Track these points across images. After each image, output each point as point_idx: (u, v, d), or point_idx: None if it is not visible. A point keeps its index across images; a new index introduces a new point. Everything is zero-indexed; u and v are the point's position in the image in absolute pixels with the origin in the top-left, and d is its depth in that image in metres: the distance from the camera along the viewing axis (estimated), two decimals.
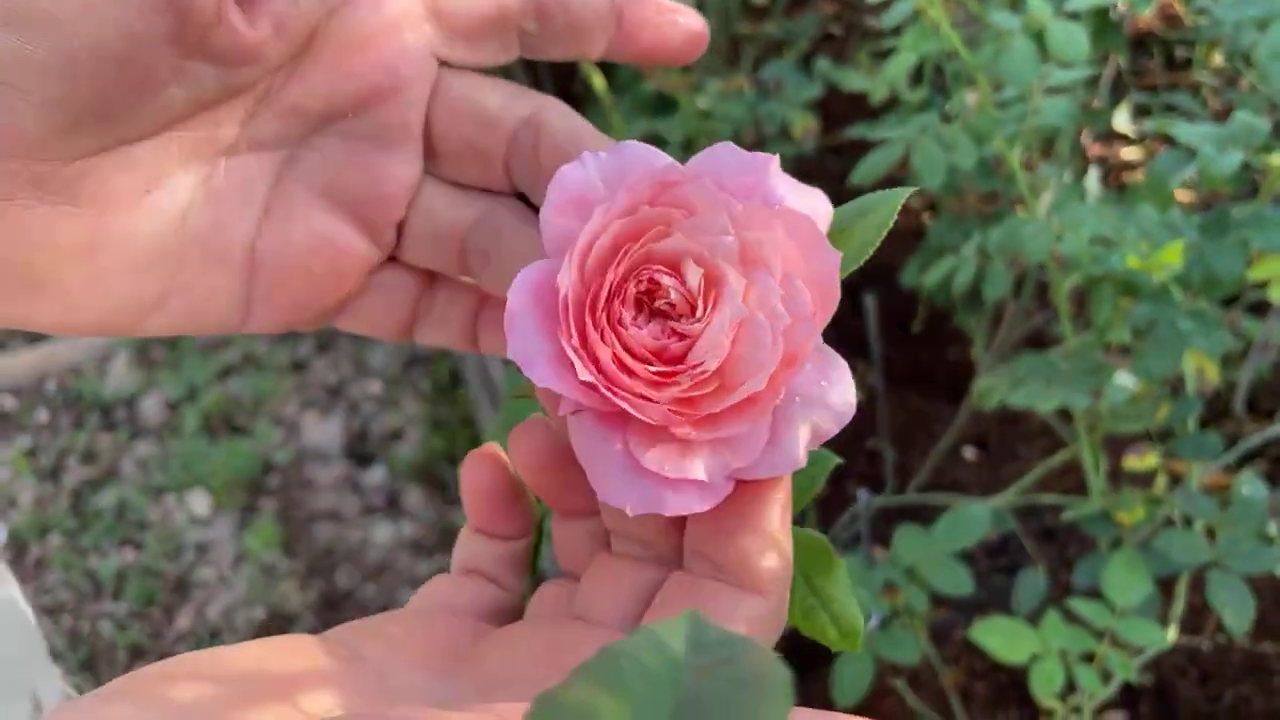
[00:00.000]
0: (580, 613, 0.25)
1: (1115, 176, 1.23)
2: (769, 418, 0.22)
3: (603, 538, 0.26)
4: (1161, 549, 0.64)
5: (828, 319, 0.22)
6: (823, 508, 1.01)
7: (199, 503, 1.45)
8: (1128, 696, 0.90)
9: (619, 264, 0.22)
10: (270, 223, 0.26)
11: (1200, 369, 0.99)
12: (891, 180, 0.72)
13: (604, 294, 0.22)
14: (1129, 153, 1.26)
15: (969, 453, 1.14)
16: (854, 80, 0.96)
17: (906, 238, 1.10)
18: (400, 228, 0.27)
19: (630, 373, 0.22)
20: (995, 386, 0.72)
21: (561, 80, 1.27)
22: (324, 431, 1.53)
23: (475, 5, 0.26)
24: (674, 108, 0.99)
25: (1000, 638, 0.61)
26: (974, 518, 0.64)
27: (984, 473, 1.09)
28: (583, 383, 0.22)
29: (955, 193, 0.80)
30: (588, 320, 0.22)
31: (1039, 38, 0.59)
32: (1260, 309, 1.01)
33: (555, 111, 0.27)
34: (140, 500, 1.45)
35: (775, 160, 0.23)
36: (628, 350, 0.22)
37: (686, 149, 1.03)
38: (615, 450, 0.22)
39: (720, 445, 0.22)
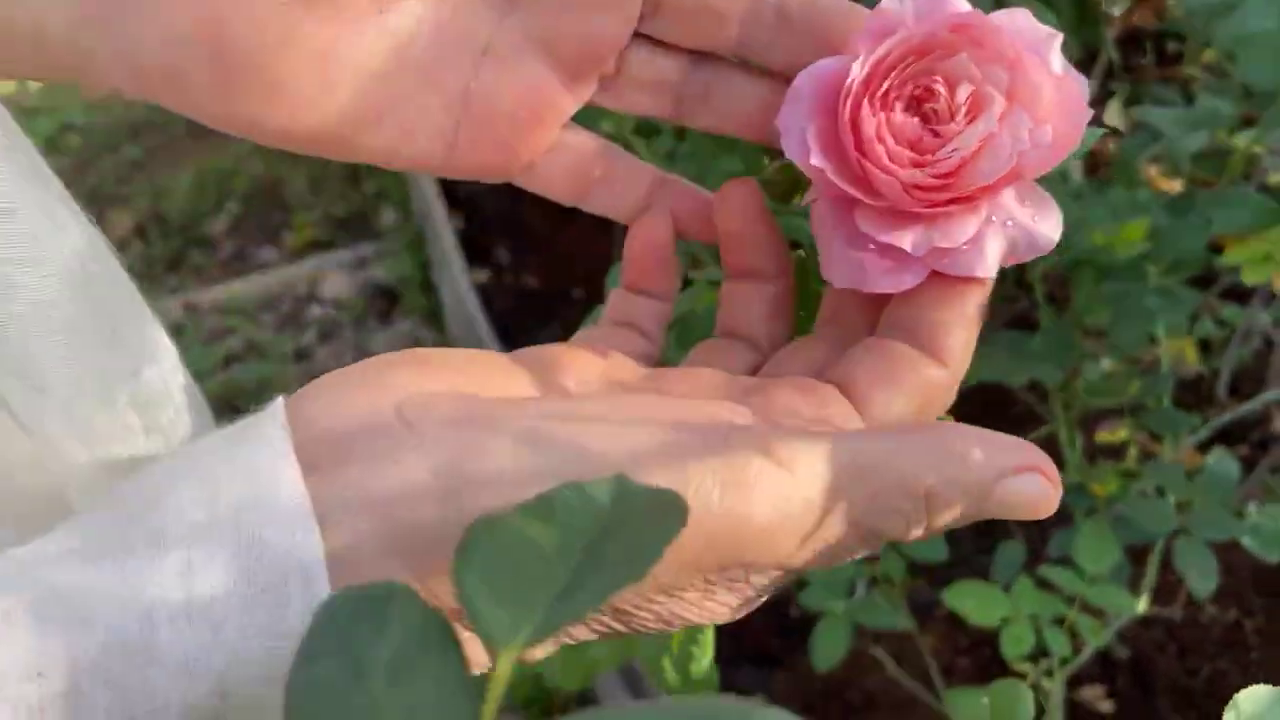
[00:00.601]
0: (770, 371, 0.28)
1: (1106, 170, 1.25)
2: (980, 218, 0.26)
3: (770, 302, 0.29)
4: (1130, 517, 0.66)
5: (1060, 160, 0.26)
6: None
7: None
8: (1106, 670, 0.93)
9: (906, 67, 0.26)
10: (486, 64, 0.27)
11: (1180, 351, 1.02)
12: None
13: (885, 85, 0.26)
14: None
15: None
16: None
17: None
18: (604, 80, 0.29)
19: (885, 146, 0.25)
20: (974, 364, 0.75)
21: None
22: None
23: None
24: None
25: (973, 601, 0.63)
26: None
27: None
28: (833, 164, 0.26)
29: None
30: (864, 104, 0.25)
31: None
32: (1244, 296, 1.03)
33: None
34: None
35: (1060, 37, 0.26)
36: (890, 130, 0.25)
37: (678, 136, 1.05)
38: (840, 230, 0.27)
39: (931, 223, 0.26)
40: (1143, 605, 0.73)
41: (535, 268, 1.58)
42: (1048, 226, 0.26)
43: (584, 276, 1.52)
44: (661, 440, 0.21)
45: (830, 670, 0.95)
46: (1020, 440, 0.24)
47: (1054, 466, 0.24)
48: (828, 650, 0.66)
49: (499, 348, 1.47)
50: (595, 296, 1.72)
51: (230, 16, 0.24)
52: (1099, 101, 1.21)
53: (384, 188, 2.03)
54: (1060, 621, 0.66)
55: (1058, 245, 0.26)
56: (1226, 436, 1.16)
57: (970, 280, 0.26)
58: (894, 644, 0.89)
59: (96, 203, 2.16)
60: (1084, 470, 0.75)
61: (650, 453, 0.20)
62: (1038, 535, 0.93)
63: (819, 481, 0.22)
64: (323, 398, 0.23)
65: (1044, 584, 0.67)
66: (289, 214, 2.06)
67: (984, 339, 0.77)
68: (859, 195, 0.26)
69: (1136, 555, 0.76)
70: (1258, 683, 0.84)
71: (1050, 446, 0.84)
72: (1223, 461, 0.76)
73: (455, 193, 1.77)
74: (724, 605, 0.23)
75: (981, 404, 1.15)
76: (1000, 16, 0.26)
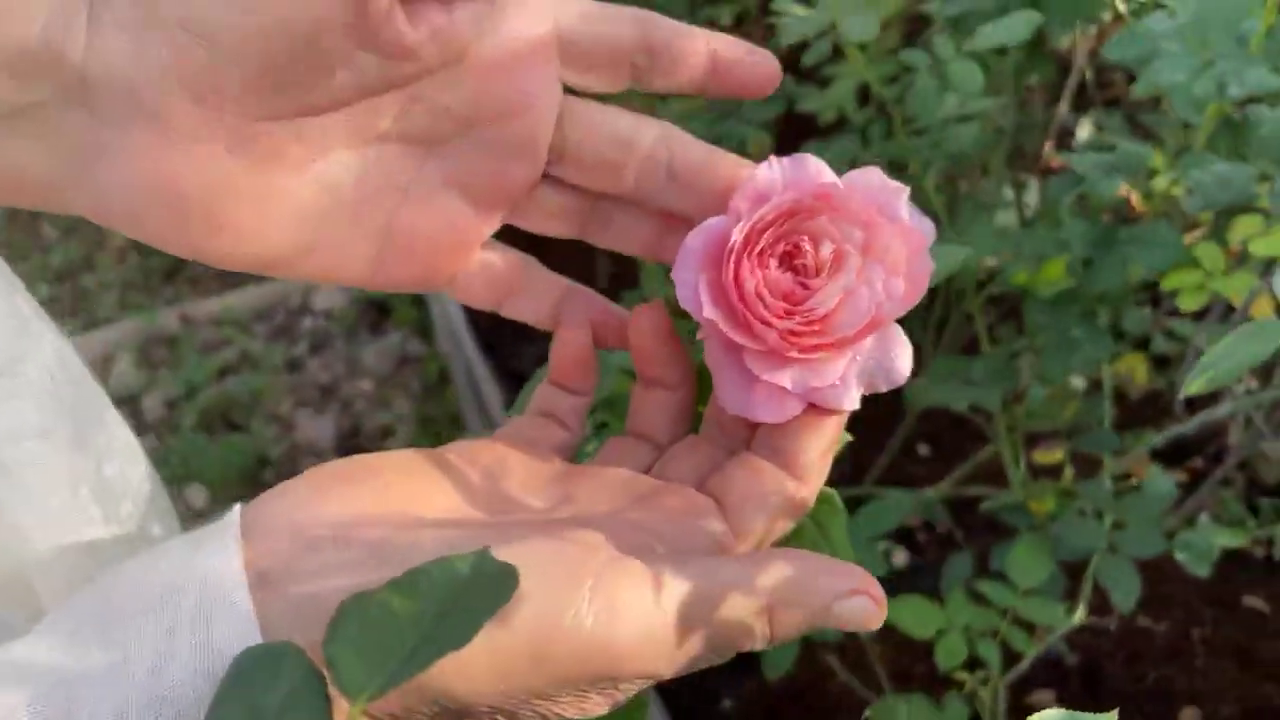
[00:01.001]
0: (659, 472, 0.33)
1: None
2: (847, 359, 0.31)
3: (672, 409, 0.34)
4: (1061, 534, 0.70)
5: (910, 306, 0.31)
6: None
7: (197, 496, 1.52)
8: (1056, 675, 0.97)
9: (778, 228, 0.31)
10: (408, 203, 0.32)
11: (1131, 369, 1.06)
12: None
13: (760, 244, 0.31)
14: None
15: (923, 449, 1.20)
16: (810, 100, 1.03)
17: None
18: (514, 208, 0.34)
19: (764, 300, 0.30)
20: (924, 388, 0.79)
21: None
22: (318, 428, 1.60)
23: (597, 39, 0.32)
24: None
25: (910, 613, 0.67)
26: (891, 506, 0.71)
27: (935, 468, 1.15)
28: (722, 312, 0.31)
29: None
30: (744, 262, 0.30)
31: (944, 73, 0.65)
32: (1200, 312, 1.07)
33: (680, 133, 0.33)
34: None
35: (906, 191, 0.31)
36: (767, 286, 0.30)
37: None
38: (729, 366, 0.32)
39: (806, 365, 0.31)
40: (1078, 617, 0.77)
41: None
42: (901, 363, 0.31)
43: None
44: (546, 567, 0.25)
45: (794, 679, 1.00)
46: (852, 566, 0.28)
47: (879, 588, 0.28)
48: (777, 661, 0.70)
49: (484, 360, 1.51)
50: None
51: (183, 170, 0.28)
52: (1068, 130, 1.26)
53: None
54: (994, 634, 0.70)
55: (996, 276, 0.31)
56: (1185, 451, 1.21)
57: (833, 411, 0.31)
58: (853, 653, 0.93)
59: None
60: (1026, 489, 0.79)
61: (534, 577, 0.24)
62: (990, 550, 0.97)
63: (680, 607, 0.26)
64: (273, 512, 0.27)
65: (979, 597, 0.71)
66: None
67: (929, 366, 0.81)
68: (745, 342, 0.31)
69: (1078, 569, 0.80)
70: (1202, 690, 0.89)
71: (996, 465, 0.89)
72: (1158, 480, 0.81)
73: None
74: (597, 707, 0.27)
75: (948, 422, 1.19)
76: (855, 176, 0.31)
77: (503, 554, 0.23)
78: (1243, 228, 0.86)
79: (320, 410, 1.64)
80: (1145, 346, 1.19)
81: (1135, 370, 1.05)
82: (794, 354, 0.30)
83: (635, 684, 0.27)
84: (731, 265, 0.30)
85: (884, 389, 0.31)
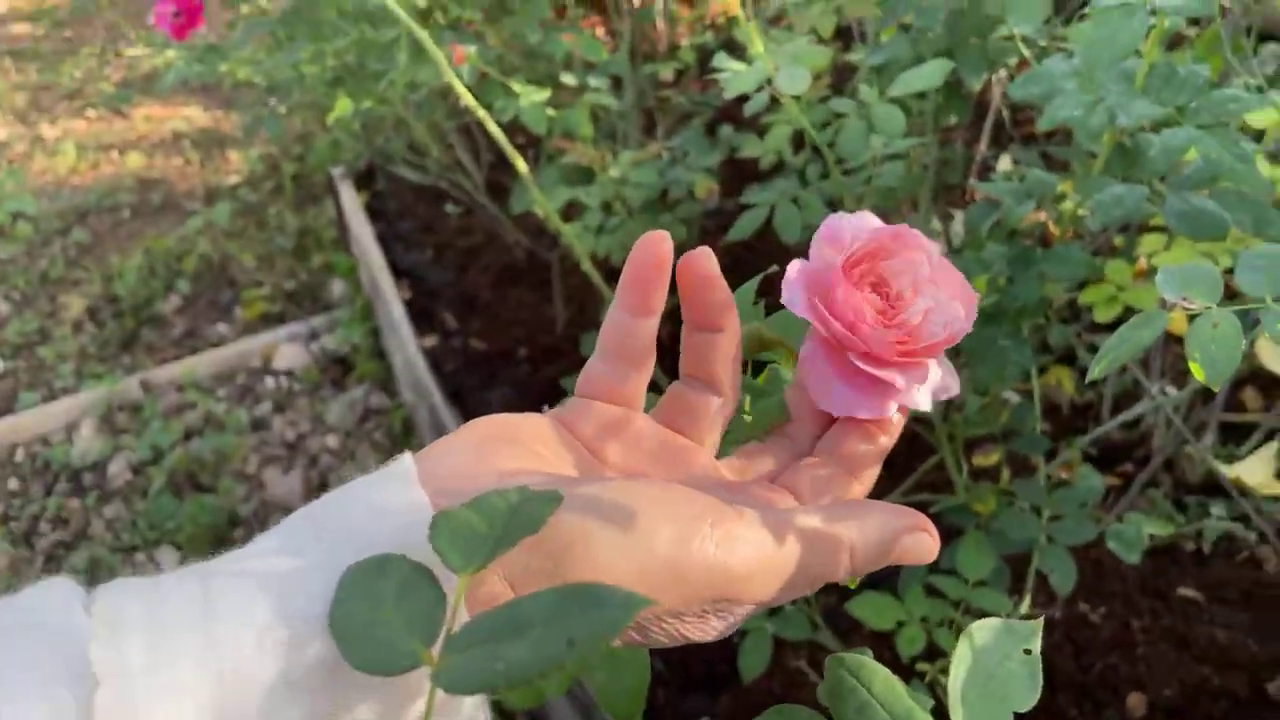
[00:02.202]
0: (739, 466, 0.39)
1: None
2: (934, 365, 0.38)
3: (721, 350, 0.39)
4: (1003, 529, 0.77)
5: (970, 326, 0.38)
6: None
7: (168, 558, 1.53)
8: None
9: (868, 261, 0.39)
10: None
11: (1059, 381, 1.14)
12: (763, 233, 0.85)
13: (854, 274, 0.38)
14: None
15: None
16: (750, 146, 1.11)
17: None
18: None
19: (870, 310, 0.38)
20: None
21: (499, 155, 1.40)
22: (286, 485, 1.63)
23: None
24: (592, 177, 1.12)
25: (871, 609, 0.73)
26: None
27: (885, 480, 1.22)
28: (831, 324, 0.37)
29: None
30: (847, 284, 0.38)
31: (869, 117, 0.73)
32: (1115, 324, 1.16)
33: None
34: (112, 560, 1.53)
35: (956, 277, 0.39)
36: (867, 302, 0.38)
37: (605, 210, 1.16)
38: (833, 370, 0.38)
39: (904, 371, 0.38)
40: (1025, 605, 0.84)
41: (480, 332, 1.67)
42: (954, 379, 0.39)
43: (526, 338, 1.61)
44: (677, 505, 0.30)
45: (768, 689, 1.05)
46: (912, 511, 0.35)
47: (934, 528, 0.35)
48: (752, 661, 0.75)
49: (449, 407, 1.54)
50: (538, 357, 1.81)
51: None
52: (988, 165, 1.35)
53: (331, 262, 2.11)
54: (950, 624, 0.76)
55: None
56: (1115, 457, 1.29)
57: (883, 423, 0.38)
58: (820, 655, 0.99)
59: (48, 287, 2.22)
60: (968, 491, 0.86)
61: (667, 512, 0.30)
62: (941, 550, 1.04)
63: (784, 542, 0.31)
64: (440, 460, 0.32)
65: (934, 591, 0.77)
66: (238, 290, 2.13)
67: None
68: (853, 346, 0.37)
69: (1023, 564, 0.87)
70: (1144, 676, 0.96)
71: (941, 471, 0.95)
72: (1089, 477, 0.88)
73: (401, 264, 1.86)
74: (714, 628, 0.32)
75: (905, 437, 1.26)
76: (900, 228, 0.39)
77: (636, 494, 0.29)
78: (1148, 244, 0.95)
79: (287, 467, 1.67)
80: (1071, 361, 1.28)
81: (1062, 381, 1.13)
82: (896, 358, 0.37)
83: (747, 608, 0.32)
84: (838, 288, 0.37)
85: (943, 398, 0.39)
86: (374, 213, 1.96)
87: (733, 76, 0.69)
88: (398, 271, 1.82)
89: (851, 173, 0.78)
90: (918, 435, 1.11)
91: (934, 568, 0.96)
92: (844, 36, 1.41)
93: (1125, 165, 0.70)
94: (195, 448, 1.70)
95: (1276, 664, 1.00)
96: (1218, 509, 1.18)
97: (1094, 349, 1.18)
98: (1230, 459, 1.24)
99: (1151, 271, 0.92)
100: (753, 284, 0.47)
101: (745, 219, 0.75)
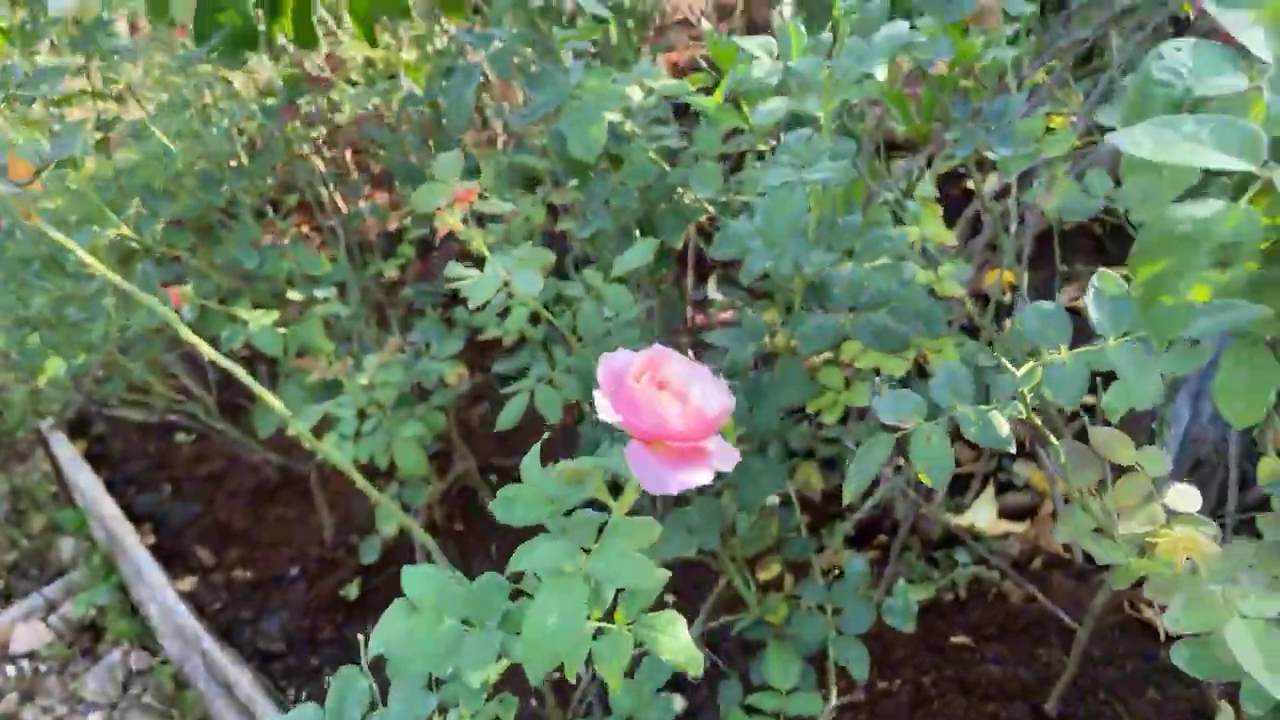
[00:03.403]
0: None
1: None
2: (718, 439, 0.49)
3: None
4: (798, 634, 0.84)
5: (727, 417, 0.49)
6: None
7: None
8: None
9: (645, 376, 0.49)
10: None
11: (807, 478, 1.26)
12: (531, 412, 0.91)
13: (643, 384, 0.49)
14: None
15: (669, 599, 1.33)
16: (491, 327, 1.17)
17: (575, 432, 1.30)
18: None
19: (671, 408, 0.48)
20: (660, 548, 0.92)
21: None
22: None
23: None
24: (339, 386, 1.13)
25: None
26: (658, 660, 0.81)
27: (685, 610, 1.28)
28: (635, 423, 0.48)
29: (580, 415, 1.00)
30: (643, 391, 0.48)
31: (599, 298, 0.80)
32: (843, 418, 1.30)
33: None
34: None
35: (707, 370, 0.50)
36: (662, 402, 0.48)
37: (361, 417, 1.17)
38: (656, 461, 0.48)
39: (686, 457, 0.48)
40: (832, 700, 0.91)
41: (242, 560, 1.59)
42: (732, 451, 0.50)
43: (295, 556, 1.55)
44: None
45: None
46: None
47: None
48: None
49: (224, 650, 1.45)
50: (313, 572, 1.73)
51: None
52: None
53: (55, 521, 1.93)
54: None
55: None
56: (870, 531, 1.43)
57: None
58: None
59: None
60: (760, 605, 0.93)
61: None
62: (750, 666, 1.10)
63: None
64: None
65: (753, 710, 0.82)
66: None
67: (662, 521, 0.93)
68: (667, 435, 0.47)
69: (823, 658, 0.94)
70: None
71: (733, 592, 1.02)
72: (854, 563, 0.98)
73: (137, 508, 1.74)
74: None
75: (681, 568, 1.33)
76: (663, 349, 0.50)
77: None
78: (849, 350, 1.09)
79: None
80: (812, 455, 1.42)
81: (810, 478, 1.25)
82: (699, 434, 0.47)
83: None
84: (638, 396, 0.48)
85: (729, 467, 0.50)
86: (96, 460, 1.83)
87: (472, 287, 0.74)
88: (135, 516, 1.70)
89: (588, 344, 0.85)
90: (704, 563, 1.19)
91: (748, 686, 1.02)
92: (553, 210, 1.53)
93: (819, 299, 0.82)
94: None
95: (1044, 683, 1.14)
96: (962, 556, 1.34)
97: (829, 441, 1.32)
98: (959, 509, 1.42)
99: (858, 373, 1.06)
100: (535, 450, 0.55)
101: (510, 408, 0.81)
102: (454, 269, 0.82)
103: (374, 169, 1.89)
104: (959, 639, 1.24)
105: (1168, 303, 0.35)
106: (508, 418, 0.80)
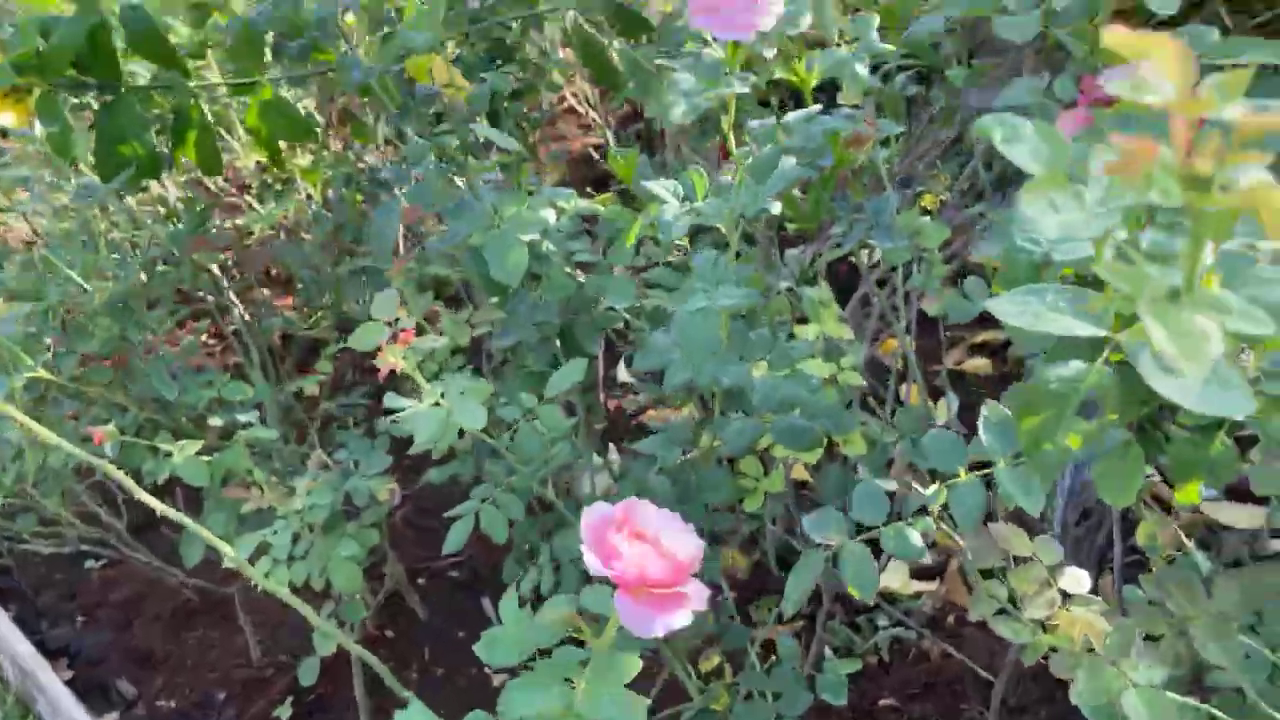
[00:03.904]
0: None
1: None
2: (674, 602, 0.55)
3: None
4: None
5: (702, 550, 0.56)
6: None
7: None
8: None
9: (624, 530, 0.55)
10: None
11: (733, 559, 1.31)
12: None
13: (622, 537, 0.55)
14: None
15: None
16: (420, 440, 1.20)
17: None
18: None
19: (651, 558, 0.54)
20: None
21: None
22: None
23: None
24: (267, 510, 1.14)
25: None
26: None
27: None
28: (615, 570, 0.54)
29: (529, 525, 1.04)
30: (626, 545, 0.54)
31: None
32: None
33: None
34: None
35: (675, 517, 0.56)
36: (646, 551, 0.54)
37: (294, 541, 1.18)
38: (641, 608, 0.53)
39: (665, 602, 0.53)
40: None
41: (166, 689, 1.55)
42: (703, 588, 0.54)
43: (221, 680, 1.52)
44: None
45: None
46: None
47: None
48: None
49: None
50: (241, 696, 1.71)
51: None
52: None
53: None
54: None
55: None
56: (795, 614, 1.49)
57: None
58: None
59: None
60: (703, 695, 0.98)
61: None
62: None
63: None
64: None
65: None
66: None
67: None
68: (650, 582, 0.53)
69: None
70: None
71: (675, 683, 1.06)
72: (784, 642, 1.04)
73: (50, 643, 1.68)
74: None
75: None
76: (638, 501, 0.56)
77: None
78: (765, 441, 1.16)
79: None
80: (735, 533, 1.48)
81: (736, 560, 1.31)
82: (678, 580, 0.53)
83: None
84: (622, 549, 0.54)
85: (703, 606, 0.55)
86: (4, 595, 1.77)
87: (416, 424, 0.78)
88: (49, 651, 1.64)
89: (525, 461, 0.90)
90: (647, 657, 1.23)
91: None
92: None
93: (738, 404, 0.89)
94: None
95: None
96: (882, 619, 1.41)
97: (753, 517, 1.38)
98: None
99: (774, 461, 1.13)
100: (512, 593, 0.59)
101: (455, 531, 0.84)
102: (393, 400, 0.86)
103: (282, 276, 1.90)
104: (886, 700, 1.30)
105: (1049, 448, 0.42)
106: (454, 541, 0.84)
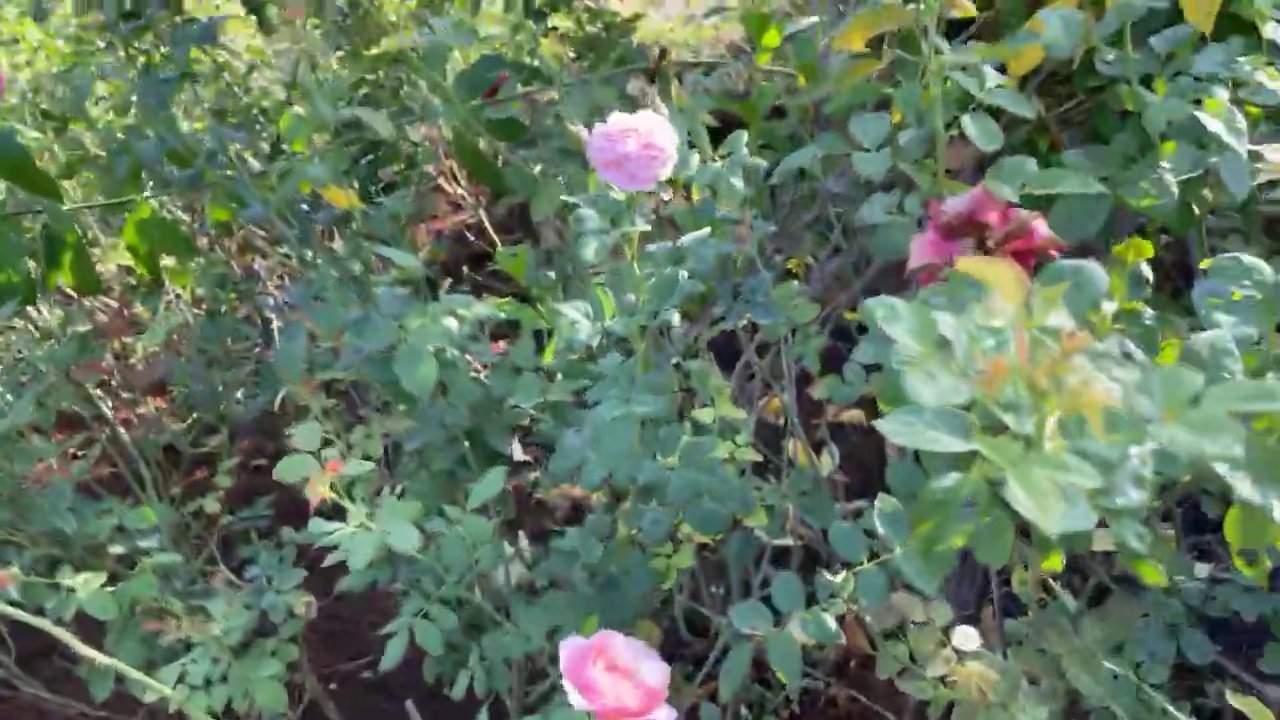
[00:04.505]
0: None
1: None
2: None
3: None
4: None
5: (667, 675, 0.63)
6: None
7: None
8: None
9: (602, 660, 0.61)
10: None
11: (649, 635, 1.37)
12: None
13: (601, 667, 0.61)
14: None
15: None
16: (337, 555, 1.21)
17: None
18: None
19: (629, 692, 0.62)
20: None
21: None
22: None
23: None
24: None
25: None
26: None
27: None
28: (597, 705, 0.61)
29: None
30: (603, 679, 0.60)
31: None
32: None
33: None
34: None
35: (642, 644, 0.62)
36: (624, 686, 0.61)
37: (215, 663, 1.17)
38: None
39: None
40: None
41: None
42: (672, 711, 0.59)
43: None
44: None
45: None
46: None
47: None
48: None
49: None
50: None
51: None
52: None
53: None
54: None
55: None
56: (700, 661, 1.55)
57: None
58: None
59: None
60: None
61: None
62: None
63: None
64: None
65: None
66: None
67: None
68: (628, 713, 0.59)
69: None
70: None
71: None
72: (707, 707, 1.10)
73: None
74: None
75: None
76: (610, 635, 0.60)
77: None
78: (686, 529, 1.23)
79: None
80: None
81: (651, 633, 1.37)
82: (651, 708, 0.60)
83: None
84: (600, 682, 0.60)
85: None
86: None
87: (351, 549, 0.81)
88: None
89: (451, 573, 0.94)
90: None
91: None
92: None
93: (655, 498, 0.95)
94: None
95: None
96: None
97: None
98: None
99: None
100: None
101: (393, 648, 0.87)
102: (317, 525, 0.89)
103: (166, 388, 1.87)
104: None
105: (938, 548, 0.50)
106: (390, 658, 0.87)
